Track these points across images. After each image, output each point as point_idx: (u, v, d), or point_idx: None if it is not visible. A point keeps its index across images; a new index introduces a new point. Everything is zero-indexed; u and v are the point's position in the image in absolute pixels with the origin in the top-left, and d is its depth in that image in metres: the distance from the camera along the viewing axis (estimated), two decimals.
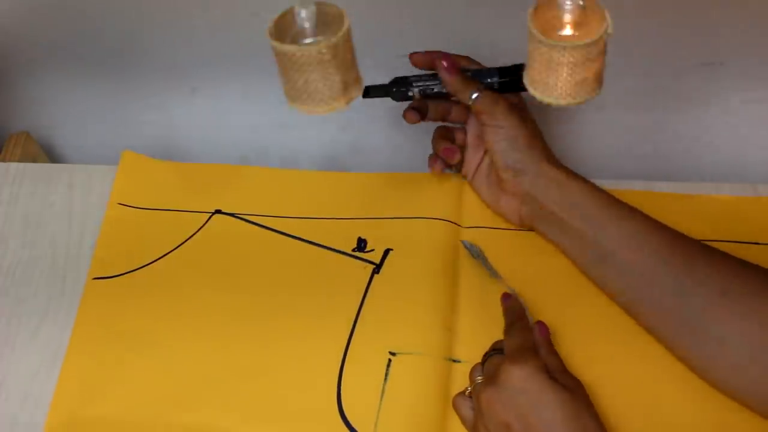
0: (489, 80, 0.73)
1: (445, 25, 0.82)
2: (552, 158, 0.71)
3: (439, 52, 0.73)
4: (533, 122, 0.73)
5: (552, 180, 0.70)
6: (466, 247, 0.74)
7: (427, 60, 0.73)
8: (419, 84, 0.74)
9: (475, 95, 0.72)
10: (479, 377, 0.63)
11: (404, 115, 0.75)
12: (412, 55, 0.73)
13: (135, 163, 0.82)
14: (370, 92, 0.75)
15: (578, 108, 0.51)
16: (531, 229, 0.74)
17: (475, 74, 0.73)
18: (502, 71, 0.73)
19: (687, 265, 0.63)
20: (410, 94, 0.75)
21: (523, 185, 0.71)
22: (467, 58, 0.74)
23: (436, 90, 0.74)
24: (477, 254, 0.73)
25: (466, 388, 0.64)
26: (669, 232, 0.66)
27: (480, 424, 0.61)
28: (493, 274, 0.72)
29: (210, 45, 0.86)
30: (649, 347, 0.67)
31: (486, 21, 0.81)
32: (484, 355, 0.65)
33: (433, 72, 0.74)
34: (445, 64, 0.72)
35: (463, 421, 0.64)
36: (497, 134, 0.71)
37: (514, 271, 0.73)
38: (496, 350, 0.64)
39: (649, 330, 0.67)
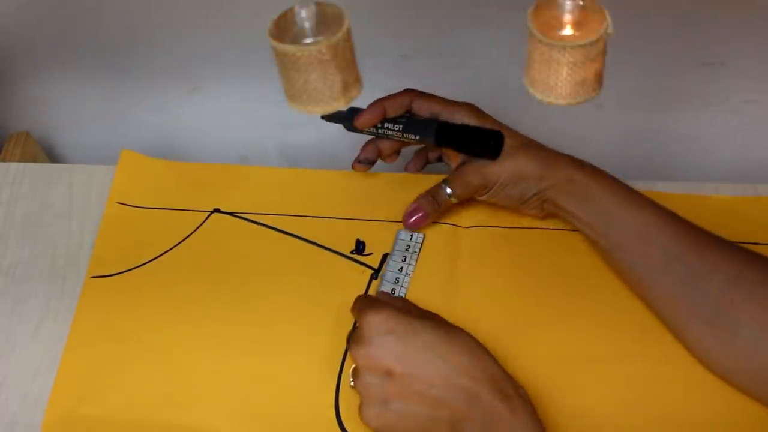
0: (423, 137, 0.72)
1: (444, 25, 0.82)
2: (554, 161, 0.70)
3: (380, 103, 0.71)
4: (514, 143, 0.71)
5: (561, 183, 0.69)
6: (397, 239, 0.75)
7: (373, 117, 0.72)
8: (371, 132, 0.74)
9: (449, 192, 0.72)
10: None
11: (353, 167, 0.76)
12: (357, 120, 0.72)
13: (134, 162, 0.82)
14: (326, 116, 0.76)
15: (578, 108, 0.50)
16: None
17: (411, 124, 0.72)
18: (441, 129, 0.71)
19: (699, 254, 0.64)
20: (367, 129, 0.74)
21: (539, 200, 0.71)
22: (409, 92, 0.72)
23: (389, 135, 0.73)
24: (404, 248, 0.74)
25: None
26: (679, 222, 0.67)
27: (362, 391, 0.61)
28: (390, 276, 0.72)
29: (210, 45, 0.86)
30: (651, 343, 0.67)
31: (485, 21, 0.81)
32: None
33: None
34: (408, 221, 0.74)
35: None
36: (491, 195, 0.72)
37: (515, 268, 0.73)
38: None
39: (661, 318, 0.67)
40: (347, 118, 0.75)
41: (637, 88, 0.85)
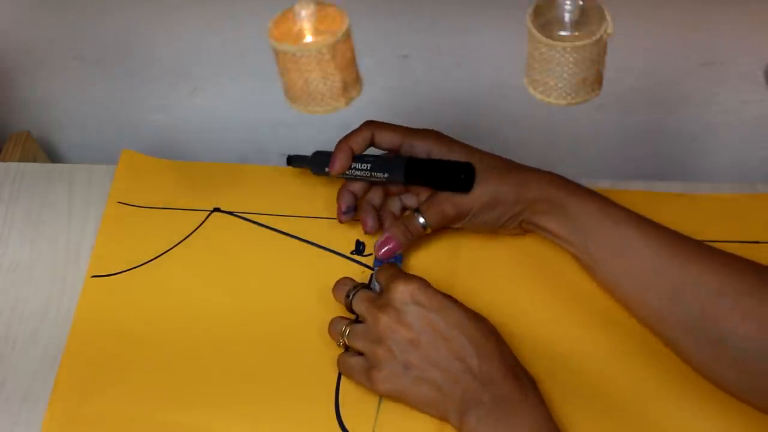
0: (392, 176, 0.70)
1: (444, 25, 0.82)
2: (528, 182, 0.69)
3: (345, 144, 0.70)
4: (485, 168, 0.69)
5: (537, 203, 0.69)
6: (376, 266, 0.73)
7: (344, 162, 0.71)
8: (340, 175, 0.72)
9: (422, 222, 0.70)
10: (346, 327, 0.65)
11: (341, 221, 0.74)
12: (331, 169, 0.71)
13: (134, 162, 0.82)
14: (292, 161, 0.77)
15: (578, 108, 0.50)
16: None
17: (379, 163, 0.70)
18: (410, 165, 0.69)
19: (681, 267, 0.63)
20: (327, 170, 0.72)
21: (517, 222, 0.71)
22: (369, 124, 0.71)
23: (357, 176, 0.71)
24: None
25: (339, 342, 0.66)
26: (661, 234, 0.65)
27: (381, 354, 0.62)
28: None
29: (210, 44, 0.86)
30: (646, 352, 0.67)
31: (485, 21, 0.81)
32: (346, 298, 0.67)
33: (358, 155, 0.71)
34: (379, 252, 0.70)
35: (352, 372, 0.65)
36: (466, 223, 0.71)
37: (512, 274, 0.73)
38: (355, 288, 0.67)
39: (650, 330, 0.67)
40: (312, 162, 0.75)
41: (637, 88, 0.85)
